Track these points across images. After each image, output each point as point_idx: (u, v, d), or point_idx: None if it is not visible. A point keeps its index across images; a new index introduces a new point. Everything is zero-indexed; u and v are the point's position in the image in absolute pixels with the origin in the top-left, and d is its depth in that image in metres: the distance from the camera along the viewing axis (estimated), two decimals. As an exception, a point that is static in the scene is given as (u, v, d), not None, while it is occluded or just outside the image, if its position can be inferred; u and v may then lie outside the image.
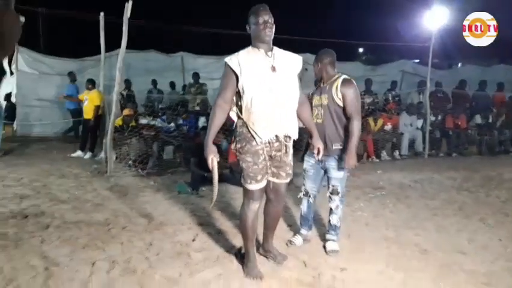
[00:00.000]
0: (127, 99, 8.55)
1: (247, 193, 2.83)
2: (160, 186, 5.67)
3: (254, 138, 2.69)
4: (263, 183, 2.80)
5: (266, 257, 3.13)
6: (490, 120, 9.32)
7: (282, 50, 2.78)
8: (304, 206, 3.54)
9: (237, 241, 3.51)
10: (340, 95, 3.18)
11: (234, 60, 2.67)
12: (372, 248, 3.41)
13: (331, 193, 3.31)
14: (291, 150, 2.85)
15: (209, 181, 5.61)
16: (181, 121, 7.37)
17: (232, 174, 5.91)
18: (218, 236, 3.68)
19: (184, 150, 6.82)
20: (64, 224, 3.90)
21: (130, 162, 6.79)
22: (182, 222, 4.07)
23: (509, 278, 2.89)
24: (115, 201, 4.81)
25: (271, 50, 2.71)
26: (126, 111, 6.81)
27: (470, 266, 3.08)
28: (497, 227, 4.04)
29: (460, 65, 19.79)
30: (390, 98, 9.71)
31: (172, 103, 8.31)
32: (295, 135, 2.82)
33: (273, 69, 2.67)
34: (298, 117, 2.90)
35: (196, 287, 2.73)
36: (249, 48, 2.75)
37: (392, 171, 6.83)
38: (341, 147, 3.23)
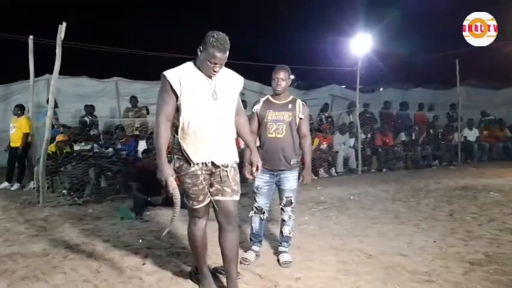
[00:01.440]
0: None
1: (191, 212, 2.74)
2: (100, 213, 5.40)
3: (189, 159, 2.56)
4: (206, 201, 2.67)
5: None
6: (413, 137, 10.16)
7: (224, 70, 2.62)
8: (256, 224, 3.54)
9: (189, 260, 3.45)
10: (301, 115, 3.38)
11: (174, 77, 2.50)
12: (322, 257, 3.53)
13: (284, 205, 3.40)
14: (235, 169, 2.70)
15: (152, 205, 5.52)
16: (119, 146, 7.13)
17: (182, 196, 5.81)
18: (169, 257, 3.58)
19: (124, 175, 6.58)
20: (-4, 258, 3.56)
21: (65, 191, 6.40)
22: (129, 247, 3.91)
23: (447, 274, 3.14)
24: (52, 231, 4.49)
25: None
26: (60, 137, 6.46)
27: (412, 266, 3.31)
28: (430, 230, 4.38)
29: (381, 89, 21.42)
30: (324, 119, 10.22)
31: (108, 128, 8.00)
32: (234, 160, 2.70)
33: (214, 96, 2.55)
34: (237, 132, 2.80)
35: (152, 309, 2.63)
36: (192, 67, 2.58)
37: (330, 187, 7.14)
38: (297, 162, 3.39)
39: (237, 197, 2.71)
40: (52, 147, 6.28)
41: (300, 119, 3.40)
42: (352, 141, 9.17)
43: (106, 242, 4.04)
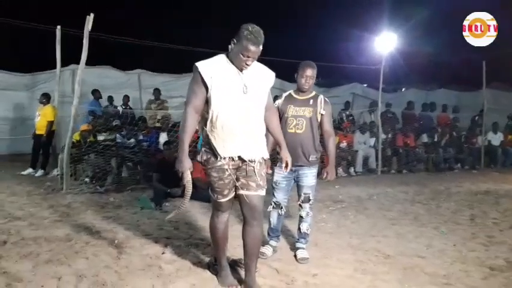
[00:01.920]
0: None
1: (215, 205, 2.79)
2: (121, 202, 5.52)
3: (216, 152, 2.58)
4: (231, 195, 2.72)
5: None
6: (436, 139, 10.00)
7: (255, 64, 2.61)
8: (274, 218, 3.57)
9: (208, 252, 3.51)
10: (323, 111, 3.38)
11: (207, 70, 2.51)
12: (339, 255, 3.53)
13: (303, 201, 3.42)
14: (261, 164, 2.70)
15: (172, 196, 5.60)
16: (141, 137, 7.25)
17: (196, 190, 5.87)
18: (188, 248, 3.64)
19: (145, 166, 6.70)
20: (22, 241, 3.69)
21: (87, 179, 6.56)
22: (149, 236, 3.99)
23: (466, 278, 3.11)
24: (74, 217, 4.62)
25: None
26: (84, 126, 6.61)
27: (430, 268, 3.28)
28: (450, 234, 4.33)
29: (403, 89, 21.10)
30: (344, 118, 10.15)
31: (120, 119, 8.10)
32: (262, 155, 2.70)
33: (245, 90, 2.55)
34: (267, 128, 2.80)
35: (171, 297, 2.69)
36: (224, 59, 2.58)
37: (349, 186, 7.11)
38: (316, 158, 3.38)
39: (262, 192, 2.71)
40: (77, 136, 6.44)
41: (322, 115, 3.39)
42: (372, 141, 9.09)
43: (127, 230, 4.14)
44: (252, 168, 2.64)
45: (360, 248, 3.74)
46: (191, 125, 2.54)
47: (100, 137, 6.90)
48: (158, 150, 7.23)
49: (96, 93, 9.11)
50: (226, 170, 2.61)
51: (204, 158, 2.65)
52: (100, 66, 10.81)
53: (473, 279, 3.08)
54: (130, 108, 8.55)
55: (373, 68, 9.49)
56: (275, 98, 3.53)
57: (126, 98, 8.99)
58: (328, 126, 3.44)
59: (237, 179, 2.67)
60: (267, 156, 2.76)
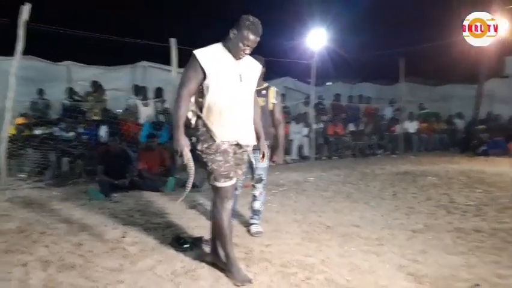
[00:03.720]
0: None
1: (220, 192, 2.72)
2: (66, 195, 5.47)
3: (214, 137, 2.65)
4: (235, 179, 2.76)
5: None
6: (361, 128, 10.95)
7: (247, 56, 2.75)
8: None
9: (167, 233, 3.74)
10: (274, 101, 3.76)
11: (205, 57, 2.61)
12: (287, 228, 3.97)
13: (256, 182, 3.77)
14: (250, 152, 2.89)
15: (119, 188, 5.66)
16: (81, 130, 7.12)
17: (143, 180, 5.99)
18: (147, 231, 3.83)
19: (85, 159, 6.62)
20: (-28, 235, 3.62)
21: (23, 174, 6.34)
22: (105, 224, 4.10)
23: (394, 239, 3.69)
24: (20, 211, 4.55)
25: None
26: (20, 120, 6.36)
27: (364, 234, 3.83)
28: (378, 207, 4.97)
29: (330, 83, 22.36)
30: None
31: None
32: (253, 142, 2.86)
33: (240, 79, 2.69)
34: None
35: (142, 273, 2.89)
36: (221, 48, 2.68)
37: (287, 172, 7.64)
38: (269, 143, 3.74)
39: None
40: (12, 130, 6.18)
41: (273, 104, 3.77)
42: (306, 131, 9.74)
43: (81, 220, 4.20)
44: (245, 153, 2.81)
45: (304, 222, 4.20)
46: (184, 105, 2.62)
47: (37, 131, 6.67)
48: (99, 143, 7.17)
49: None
50: (230, 152, 2.70)
51: (205, 145, 2.68)
52: (27, 56, 10.19)
53: (399, 240, 3.67)
54: (76, 100, 8.29)
55: (305, 63, 10.11)
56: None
57: (71, 91, 8.71)
58: (279, 115, 3.82)
59: None
60: (255, 143, 2.90)
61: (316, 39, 9.78)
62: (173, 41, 7.64)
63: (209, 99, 2.65)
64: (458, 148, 11.73)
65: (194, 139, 2.73)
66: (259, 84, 3.74)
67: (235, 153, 2.76)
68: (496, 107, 14.04)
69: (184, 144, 2.61)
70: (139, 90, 9.04)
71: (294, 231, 3.87)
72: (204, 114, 2.67)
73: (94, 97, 7.93)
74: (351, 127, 10.91)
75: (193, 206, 4.93)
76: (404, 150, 11.51)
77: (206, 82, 2.64)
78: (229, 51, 2.67)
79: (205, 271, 2.92)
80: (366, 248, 3.45)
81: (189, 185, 2.72)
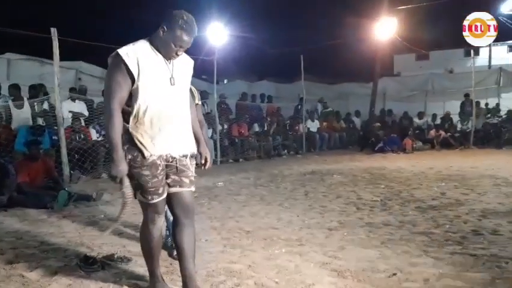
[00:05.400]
0: None
1: (149, 208, 2.60)
2: None
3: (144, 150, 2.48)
4: (165, 194, 2.60)
5: None
6: (265, 128, 11.49)
7: None
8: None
9: (70, 255, 3.56)
10: (198, 102, 3.62)
11: (131, 57, 2.41)
12: (207, 236, 4.06)
13: None
14: (192, 159, 2.71)
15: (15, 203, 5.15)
16: None
17: (25, 195, 5.54)
18: (45, 254, 3.59)
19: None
20: None
21: None
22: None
23: (313, 238, 4.02)
24: None
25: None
26: None
27: (284, 235, 4.10)
28: (293, 208, 5.34)
29: (225, 81, 22.91)
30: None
31: None
32: (193, 150, 2.71)
33: (172, 81, 2.52)
34: None
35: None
36: (148, 46, 2.50)
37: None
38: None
39: (193, 188, 2.71)
40: None
41: (197, 105, 3.66)
42: (210, 132, 9.88)
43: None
44: (184, 163, 2.60)
45: (223, 229, 4.34)
46: (118, 122, 2.42)
47: None
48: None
49: None
50: (159, 165, 2.52)
51: (130, 157, 2.49)
52: None
53: (318, 239, 4.02)
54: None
55: (206, 60, 10.26)
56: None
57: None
58: (201, 116, 3.73)
59: (167, 176, 2.58)
60: (195, 150, 2.74)
61: (217, 35, 9.99)
62: (54, 31, 7.18)
63: (138, 106, 2.45)
64: (357, 146, 13.00)
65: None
66: None
67: (167, 163, 2.57)
68: (389, 104, 15.88)
69: (123, 170, 2.42)
70: (11, 89, 8.25)
71: (215, 239, 3.98)
72: (130, 125, 2.47)
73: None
74: (256, 128, 11.37)
75: (93, 222, 4.74)
76: (307, 150, 12.38)
77: (134, 86, 2.44)
78: (158, 50, 2.50)
79: (126, 290, 2.88)
80: (288, 249, 3.71)
81: (122, 215, 2.59)
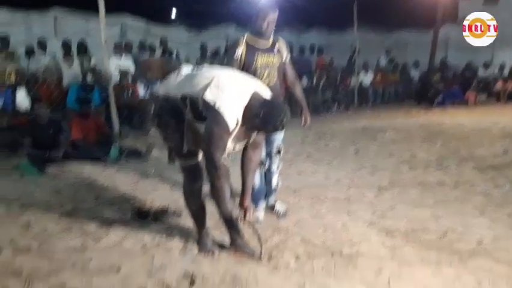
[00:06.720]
0: None
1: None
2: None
3: None
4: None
5: None
6: (314, 83, 11.41)
7: None
8: (257, 179, 3.61)
9: (124, 207, 3.90)
10: (285, 56, 3.49)
11: (234, 121, 2.57)
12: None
13: (275, 154, 3.71)
14: None
15: (52, 160, 5.60)
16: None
17: (79, 151, 5.97)
18: (101, 207, 3.97)
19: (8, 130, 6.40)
20: None
21: None
22: (49, 201, 4.14)
23: (363, 197, 4.17)
24: None
25: None
26: None
27: (332, 194, 4.27)
28: (341, 166, 5.46)
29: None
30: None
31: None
32: None
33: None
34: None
35: (109, 249, 3.07)
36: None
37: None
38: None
39: None
40: None
41: (285, 63, 3.49)
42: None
43: (19, 200, 4.18)
44: None
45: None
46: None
47: None
48: (18, 112, 6.92)
49: None
50: None
51: None
52: None
53: (367, 198, 4.15)
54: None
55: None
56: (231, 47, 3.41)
57: None
58: (293, 72, 3.59)
59: None
60: None
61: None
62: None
63: None
64: (413, 99, 12.65)
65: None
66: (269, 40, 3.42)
67: None
68: (451, 54, 15.15)
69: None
70: (63, 46, 8.66)
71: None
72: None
73: (2, 57, 7.53)
74: (304, 82, 11.31)
75: (145, 176, 5.08)
76: (359, 104, 12.21)
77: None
78: None
79: (177, 243, 3.15)
80: (335, 208, 3.87)
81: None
